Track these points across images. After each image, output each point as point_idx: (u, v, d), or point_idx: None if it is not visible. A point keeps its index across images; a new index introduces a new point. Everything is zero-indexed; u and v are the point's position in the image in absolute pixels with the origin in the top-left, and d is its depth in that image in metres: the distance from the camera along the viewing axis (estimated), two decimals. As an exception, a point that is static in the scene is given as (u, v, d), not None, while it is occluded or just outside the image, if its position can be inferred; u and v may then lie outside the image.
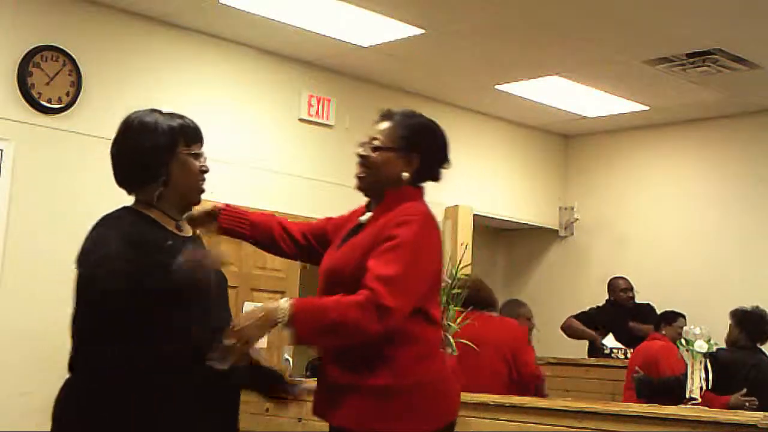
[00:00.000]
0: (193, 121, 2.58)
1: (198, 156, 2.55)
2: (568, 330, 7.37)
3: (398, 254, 2.44)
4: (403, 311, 2.41)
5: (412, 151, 2.65)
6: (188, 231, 2.57)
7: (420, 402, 2.47)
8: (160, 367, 2.28)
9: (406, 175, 2.64)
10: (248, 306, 6.76)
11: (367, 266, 2.44)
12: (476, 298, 4.78)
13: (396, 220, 2.52)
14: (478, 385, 4.16)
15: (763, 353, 5.67)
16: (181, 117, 2.55)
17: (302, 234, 2.87)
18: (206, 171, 2.57)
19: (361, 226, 2.66)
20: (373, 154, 2.67)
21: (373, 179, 2.67)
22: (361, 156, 2.69)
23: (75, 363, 2.32)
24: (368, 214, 2.67)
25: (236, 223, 2.88)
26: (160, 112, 2.54)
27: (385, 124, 2.73)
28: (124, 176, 2.49)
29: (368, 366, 2.47)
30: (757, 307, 5.74)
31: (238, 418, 2.54)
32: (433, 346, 2.58)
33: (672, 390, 5.01)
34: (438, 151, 2.72)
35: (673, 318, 6.10)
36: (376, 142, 2.69)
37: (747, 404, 5.14)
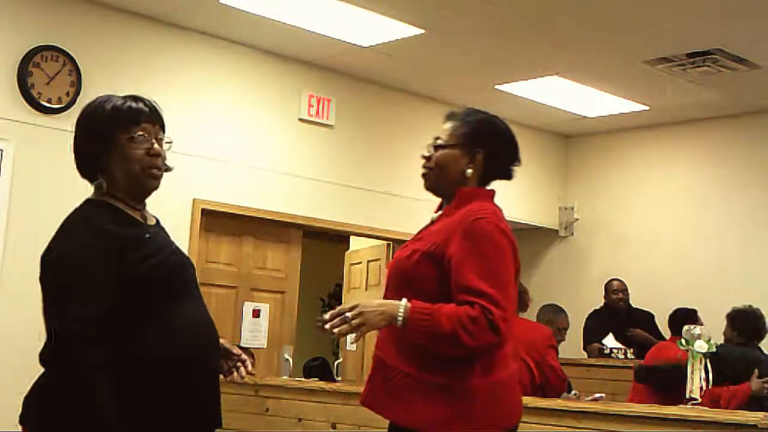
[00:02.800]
0: (138, 99, 2.45)
1: (139, 140, 2.37)
2: (593, 352, 7.31)
3: (492, 267, 2.45)
4: (510, 327, 2.42)
5: (476, 147, 2.64)
6: (152, 220, 2.48)
7: (489, 406, 2.43)
8: (139, 365, 2.26)
9: (470, 171, 2.63)
10: (249, 306, 6.78)
11: (460, 279, 2.42)
12: None
13: (468, 221, 2.50)
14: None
15: (761, 350, 5.69)
16: (125, 98, 2.44)
17: None
18: (156, 154, 2.39)
19: (432, 223, 2.65)
20: (436, 153, 2.66)
21: (436, 177, 2.66)
22: (424, 156, 2.68)
23: (49, 359, 2.27)
24: (438, 213, 2.67)
25: None
26: (108, 97, 2.45)
27: (448, 124, 2.71)
28: (77, 167, 2.45)
29: (439, 364, 2.43)
30: (750, 306, 5.79)
31: (220, 410, 2.46)
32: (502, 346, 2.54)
33: (671, 378, 5.03)
34: (503, 146, 2.70)
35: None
36: (438, 141, 2.69)
37: (766, 388, 5.24)
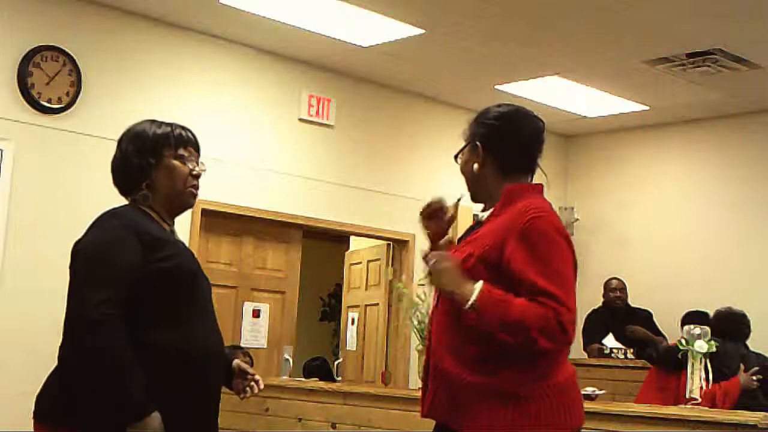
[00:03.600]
0: (184, 128, 2.64)
1: (185, 159, 2.57)
2: (593, 352, 7.32)
3: (559, 268, 2.38)
4: (574, 330, 2.37)
5: (474, 141, 2.58)
6: (178, 237, 2.62)
7: (555, 409, 2.38)
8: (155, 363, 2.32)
9: (476, 166, 2.56)
10: (249, 306, 6.77)
11: (525, 276, 2.36)
12: None
13: (525, 220, 2.41)
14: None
15: (747, 348, 5.85)
16: (172, 125, 2.61)
17: None
18: (198, 175, 2.61)
19: (479, 224, 2.57)
20: (460, 162, 2.64)
21: (466, 183, 2.63)
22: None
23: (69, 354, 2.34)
24: (484, 213, 2.58)
25: None
26: (155, 121, 2.61)
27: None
28: (116, 182, 2.58)
29: (502, 371, 2.38)
30: (730, 307, 6.02)
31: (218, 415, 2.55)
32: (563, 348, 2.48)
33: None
34: (503, 132, 2.57)
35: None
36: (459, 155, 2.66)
37: (755, 380, 5.45)
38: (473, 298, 2.33)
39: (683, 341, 4.84)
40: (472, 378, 2.39)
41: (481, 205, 2.63)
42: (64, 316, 2.34)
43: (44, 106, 5.70)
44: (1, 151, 5.53)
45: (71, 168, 5.72)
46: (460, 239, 2.61)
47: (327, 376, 6.69)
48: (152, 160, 2.53)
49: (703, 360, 4.75)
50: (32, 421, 2.40)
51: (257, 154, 6.73)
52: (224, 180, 6.41)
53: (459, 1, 5.74)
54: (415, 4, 5.84)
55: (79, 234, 2.47)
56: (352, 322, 7.93)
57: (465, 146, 2.61)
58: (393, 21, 6.04)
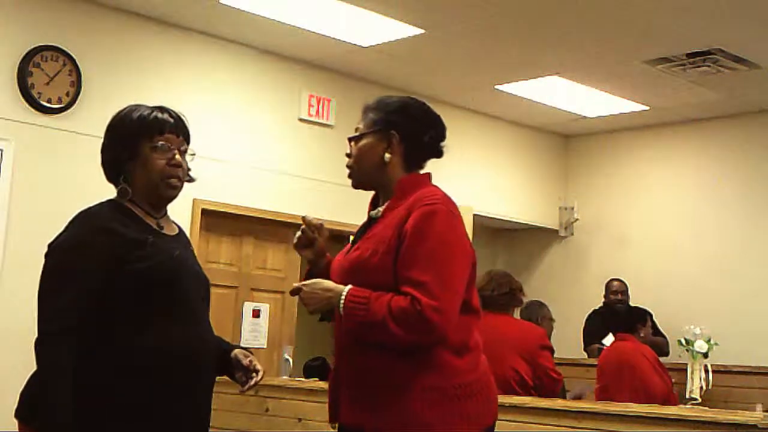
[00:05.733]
0: (165, 110, 2.51)
1: (161, 149, 2.44)
2: (593, 352, 7.32)
3: (433, 255, 2.32)
4: (449, 319, 2.29)
5: (389, 130, 2.51)
6: (172, 230, 2.52)
7: (469, 403, 2.34)
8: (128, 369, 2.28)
9: (388, 156, 2.51)
10: (249, 306, 6.78)
11: (400, 269, 2.33)
12: (489, 298, 4.62)
13: (417, 209, 2.38)
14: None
15: None
16: (153, 109, 2.49)
17: None
18: (176, 164, 2.46)
19: (373, 221, 2.53)
20: (354, 147, 2.56)
21: (359, 170, 2.57)
22: (346, 155, 2.59)
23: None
24: (379, 209, 2.54)
25: None
26: (137, 107, 2.51)
27: (362, 117, 2.62)
28: (104, 170, 2.52)
29: (413, 365, 2.33)
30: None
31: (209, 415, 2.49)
32: (477, 338, 2.44)
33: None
34: (420, 123, 2.55)
35: (645, 316, 6.05)
36: (355, 134, 2.59)
37: None
38: (340, 305, 2.34)
39: (683, 341, 4.84)
40: (386, 376, 2.34)
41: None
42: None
43: (44, 106, 5.70)
44: (1, 151, 5.53)
45: (71, 168, 5.72)
46: (354, 239, 2.56)
47: (327, 377, 6.68)
48: (125, 153, 2.44)
49: (702, 360, 4.76)
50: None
51: (257, 154, 6.73)
52: (224, 180, 6.41)
53: (459, 1, 5.74)
54: (415, 4, 5.84)
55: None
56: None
57: (370, 132, 2.54)
58: (393, 21, 6.04)
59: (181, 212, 6.16)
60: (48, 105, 5.72)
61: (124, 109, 2.52)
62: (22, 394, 2.41)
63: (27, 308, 5.66)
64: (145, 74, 6.16)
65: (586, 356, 7.37)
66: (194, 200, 6.23)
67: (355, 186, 2.61)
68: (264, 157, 6.76)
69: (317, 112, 7.06)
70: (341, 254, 2.57)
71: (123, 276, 2.30)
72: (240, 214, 6.60)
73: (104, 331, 2.28)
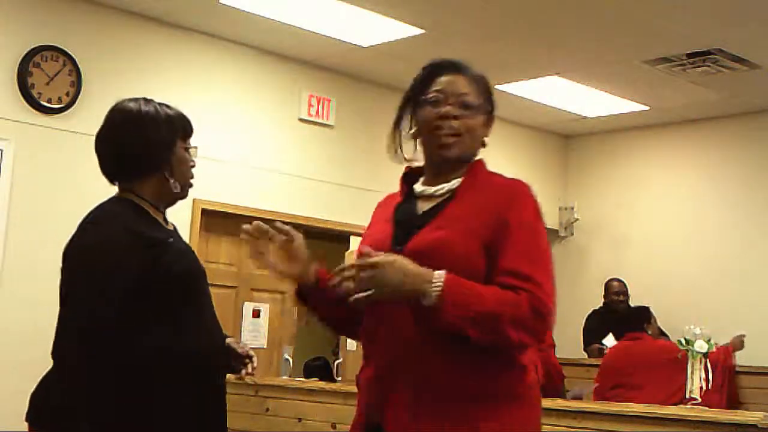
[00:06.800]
0: (182, 114, 2.51)
1: (189, 151, 2.46)
2: (593, 352, 7.33)
3: (545, 252, 2.13)
4: (553, 314, 2.08)
5: (490, 111, 2.26)
6: (170, 225, 2.51)
7: (523, 413, 2.09)
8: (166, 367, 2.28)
9: (486, 140, 2.24)
10: (249, 306, 6.78)
11: (508, 262, 2.04)
12: None
13: (520, 198, 2.15)
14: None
15: None
16: (175, 109, 2.48)
17: None
18: (194, 166, 2.48)
19: (445, 202, 2.17)
20: (466, 114, 2.20)
21: (468, 142, 2.20)
22: (454, 116, 2.20)
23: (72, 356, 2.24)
24: (448, 186, 2.19)
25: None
26: (152, 101, 2.47)
27: (463, 78, 2.32)
28: (119, 167, 2.42)
29: (500, 367, 2.06)
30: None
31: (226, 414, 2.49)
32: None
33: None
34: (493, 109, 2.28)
35: (650, 314, 6.07)
36: (468, 98, 2.23)
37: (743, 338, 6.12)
38: (436, 290, 1.96)
39: (683, 341, 4.84)
40: (448, 384, 2.03)
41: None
42: (57, 317, 2.28)
43: (44, 106, 5.70)
44: (1, 151, 5.53)
45: (71, 168, 5.72)
46: (426, 215, 2.17)
47: (328, 376, 6.69)
48: (170, 148, 2.39)
49: (703, 360, 4.75)
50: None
51: (257, 154, 6.73)
52: (224, 180, 6.41)
53: (459, 1, 5.74)
54: (415, 4, 5.84)
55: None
56: (352, 322, 7.93)
57: (484, 113, 2.24)
58: (393, 21, 6.04)
59: (181, 212, 6.17)
60: (48, 105, 5.72)
61: (139, 102, 2.45)
62: (35, 397, 2.37)
63: (26, 308, 5.70)
64: (145, 74, 6.16)
65: (586, 356, 7.37)
66: (194, 200, 6.23)
67: (451, 157, 2.19)
68: (264, 157, 6.76)
69: (317, 112, 7.06)
70: (374, 240, 2.18)
71: (157, 276, 2.27)
72: (240, 214, 6.59)
73: (140, 333, 2.24)
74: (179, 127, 2.43)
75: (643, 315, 5.98)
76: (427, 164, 2.27)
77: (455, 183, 2.19)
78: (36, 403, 2.36)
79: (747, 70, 6.67)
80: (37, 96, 5.67)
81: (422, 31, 6.18)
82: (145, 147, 2.38)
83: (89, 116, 5.81)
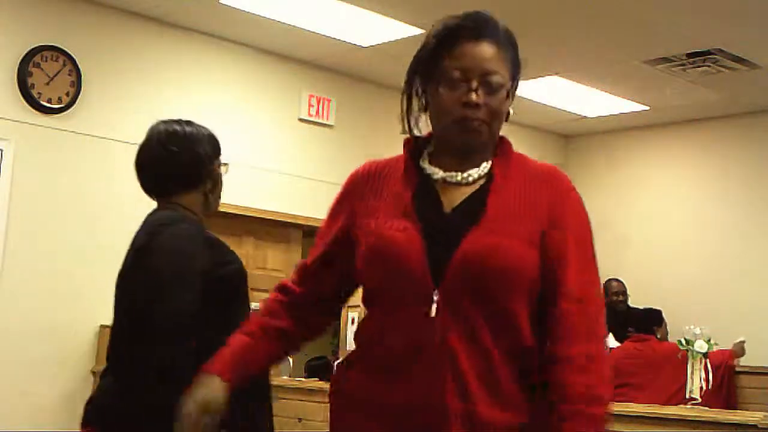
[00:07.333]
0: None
1: (221, 168, 2.64)
2: None
3: (594, 265, 1.95)
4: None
5: (514, 81, 1.95)
6: None
7: None
8: None
9: (512, 111, 1.94)
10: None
11: (567, 280, 1.83)
12: None
13: (569, 192, 1.91)
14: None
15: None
16: (206, 128, 2.66)
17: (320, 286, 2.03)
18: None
19: (479, 193, 1.83)
20: (493, 97, 1.89)
21: (496, 129, 1.89)
22: (473, 102, 1.86)
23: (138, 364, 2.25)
24: (477, 171, 1.85)
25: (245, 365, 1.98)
26: (182, 120, 2.64)
27: (492, 47, 1.92)
28: (165, 182, 2.52)
29: (525, 400, 1.80)
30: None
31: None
32: None
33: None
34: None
35: (662, 318, 6.11)
36: (496, 78, 1.89)
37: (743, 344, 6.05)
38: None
39: (683, 341, 4.83)
40: (502, 414, 1.77)
41: None
42: (136, 316, 2.29)
43: (44, 106, 5.70)
44: (1, 151, 5.53)
45: (71, 168, 5.72)
46: (461, 207, 1.81)
47: (328, 376, 6.69)
48: (211, 165, 2.56)
49: (703, 360, 4.75)
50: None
51: (257, 154, 6.73)
52: (224, 180, 6.40)
53: (459, 1, 5.73)
54: (415, 4, 5.84)
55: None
56: (352, 322, 7.92)
57: (509, 85, 1.95)
58: (393, 21, 6.04)
59: (181, 212, 6.19)
60: (48, 105, 5.72)
61: (175, 122, 2.61)
62: (99, 402, 2.36)
63: (26, 307, 5.70)
64: (145, 74, 6.16)
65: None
66: (194, 200, 6.23)
67: (478, 145, 1.87)
68: (264, 157, 6.76)
69: (317, 112, 7.06)
70: (395, 246, 1.82)
71: (215, 275, 2.38)
72: (240, 214, 6.59)
73: (200, 329, 2.27)
74: (217, 145, 2.61)
75: (656, 318, 6.01)
76: (441, 142, 1.90)
77: (485, 168, 1.85)
78: (95, 406, 2.37)
79: (747, 70, 6.67)
80: (37, 96, 5.67)
81: (422, 31, 6.18)
82: (193, 163, 2.53)
83: (89, 116, 5.81)
